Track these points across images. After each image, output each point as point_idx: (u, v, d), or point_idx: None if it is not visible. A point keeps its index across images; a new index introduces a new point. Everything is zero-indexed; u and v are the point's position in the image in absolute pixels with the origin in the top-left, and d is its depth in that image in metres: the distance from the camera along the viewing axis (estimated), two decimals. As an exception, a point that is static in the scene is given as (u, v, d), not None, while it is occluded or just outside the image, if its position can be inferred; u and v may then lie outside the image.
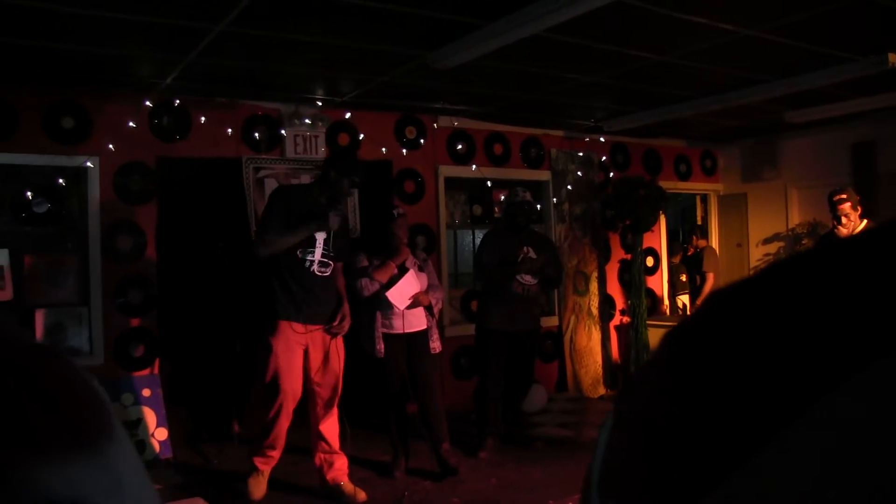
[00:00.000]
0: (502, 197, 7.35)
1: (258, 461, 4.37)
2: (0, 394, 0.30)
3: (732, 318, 0.26)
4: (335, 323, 4.34)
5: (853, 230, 4.93)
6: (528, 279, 5.38)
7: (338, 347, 4.40)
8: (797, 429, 0.21)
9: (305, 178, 6.01)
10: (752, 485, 0.22)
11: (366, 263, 4.73)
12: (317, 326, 4.29)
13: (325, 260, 4.29)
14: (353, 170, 4.35)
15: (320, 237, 4.23)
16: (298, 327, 4.23)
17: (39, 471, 0.29)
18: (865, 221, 5.05)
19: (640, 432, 0.27)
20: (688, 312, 7.93)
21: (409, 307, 4.68)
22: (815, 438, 0.21)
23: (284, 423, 4.29)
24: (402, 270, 4.65)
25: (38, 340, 0.38)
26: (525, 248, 5.40)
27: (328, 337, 4.35)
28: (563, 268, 6.09)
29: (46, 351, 0.36)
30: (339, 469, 4.44)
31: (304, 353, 4.29)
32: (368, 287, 4.64)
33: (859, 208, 5.04)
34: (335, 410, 4.43)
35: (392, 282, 4.61)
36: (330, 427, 4.41)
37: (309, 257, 4.24)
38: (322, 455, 4.44)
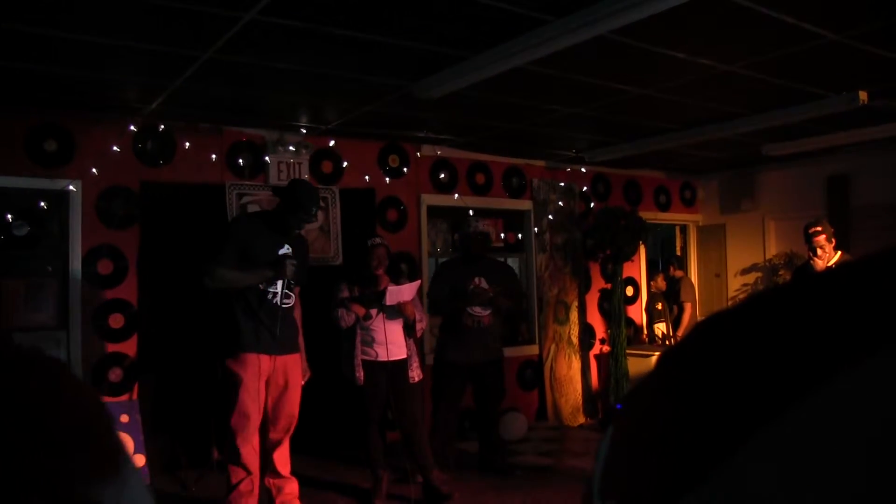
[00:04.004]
0: (475, 227, 7.40)
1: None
2: (56, 416, 0.33)
3: (713, 341, 0.30)
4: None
5: (828, 261, 5.03)
6: (477, 311, 5.31)
7: (297, 375, 4.45)
8: (764, 436, 0.25)
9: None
10: (728, 482, 0.25)
11: (346, 294, 4.77)
12: (279, 356, 4.33)
13: (288, 291, 4.36)
14: (305, 206, 4.29)
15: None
16: (263, 358, 4.26)
17: (94, 488, 0.31)
18: (839, 253, 5.15)
19: (636, 439, 0.30)
20: (667, 342, 7.99)
21: (390, 317, 4.72)
22: (778, 446, 0.25)
23: (252, 453, 4.28)
24: (381, 297, 4.67)
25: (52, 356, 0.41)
26: (476, 280, 5.32)
27: (289, 364, 4.38)
28: (522, 295, 5.99)
29: (68, 372, 0.38)
30: (289, 494, 4.51)
31: (265, 383, 4.32)
32: (345, 318, 4.71)
33: (833, 240, 5.14)
34: (288, 437, 4.49)
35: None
36: (282, 454, 4.46)
37: (272, 289, 4.29)
38: (271, 480, 4.49)
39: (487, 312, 5.35)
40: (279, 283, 4.29)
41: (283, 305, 4.32)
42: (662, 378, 0.31)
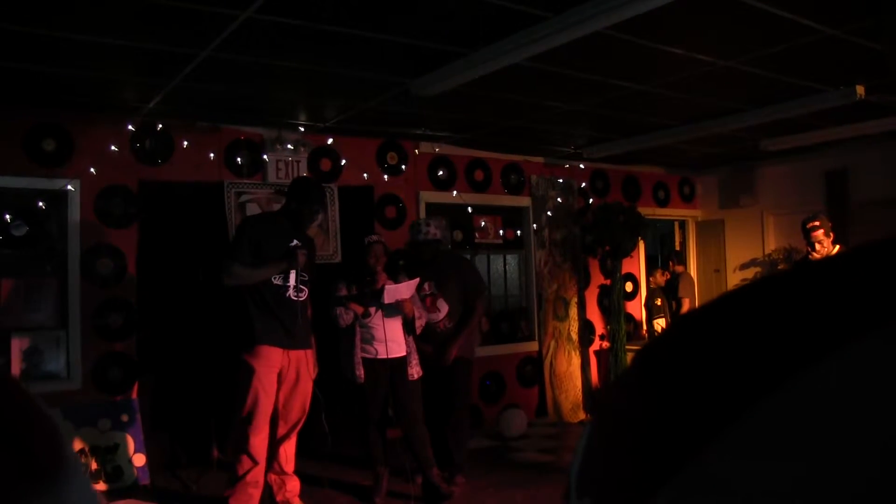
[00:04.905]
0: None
1: (239, 500, 4.31)
2: None
3: (685, 336, 0.30)
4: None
5: (826, 256, 5.02)
6: (433, 317, 5.16)
7: (309, 370, 4.51)
8: (739, 428, 0.25)
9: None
10: (703, 476, 0.25)
11: (344, 293, 4.79)
12: (292, 350, 4.39)
13: (301, 285, 4.42)
14: (316, 199, 4.46)
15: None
16: (276, 351, 4.32)
17: (25, 498, 0.30)
18: (838, 247, 5.15)
19: (611, 435, 0.30)
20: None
21: (389, 315, 4.72)
22: (754, 437, 0.25)
23: (261, 444, 4.31)
24: (379, 295, 4.66)
25: None
26: (426, 285, 5.14)
27: (301, 359, 4.45)
28: (483, 288, 5.50)
29: None
30: (290, 491, 4.56)
31: (278, 376, 4.38)
32: (344, 317, 4.73)
33: (832, 234, 5.14)
34: (296, 433, 4.54)
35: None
36: (288, 448, 4.53)
37: (286, 283, 4.37)
38: (274, 476, 4.53)
39: (449, 324, 5.17)
40: (292, 276, 4.35)
41: (297, 299, 4.38)
42: (637, 373, 0.31)
